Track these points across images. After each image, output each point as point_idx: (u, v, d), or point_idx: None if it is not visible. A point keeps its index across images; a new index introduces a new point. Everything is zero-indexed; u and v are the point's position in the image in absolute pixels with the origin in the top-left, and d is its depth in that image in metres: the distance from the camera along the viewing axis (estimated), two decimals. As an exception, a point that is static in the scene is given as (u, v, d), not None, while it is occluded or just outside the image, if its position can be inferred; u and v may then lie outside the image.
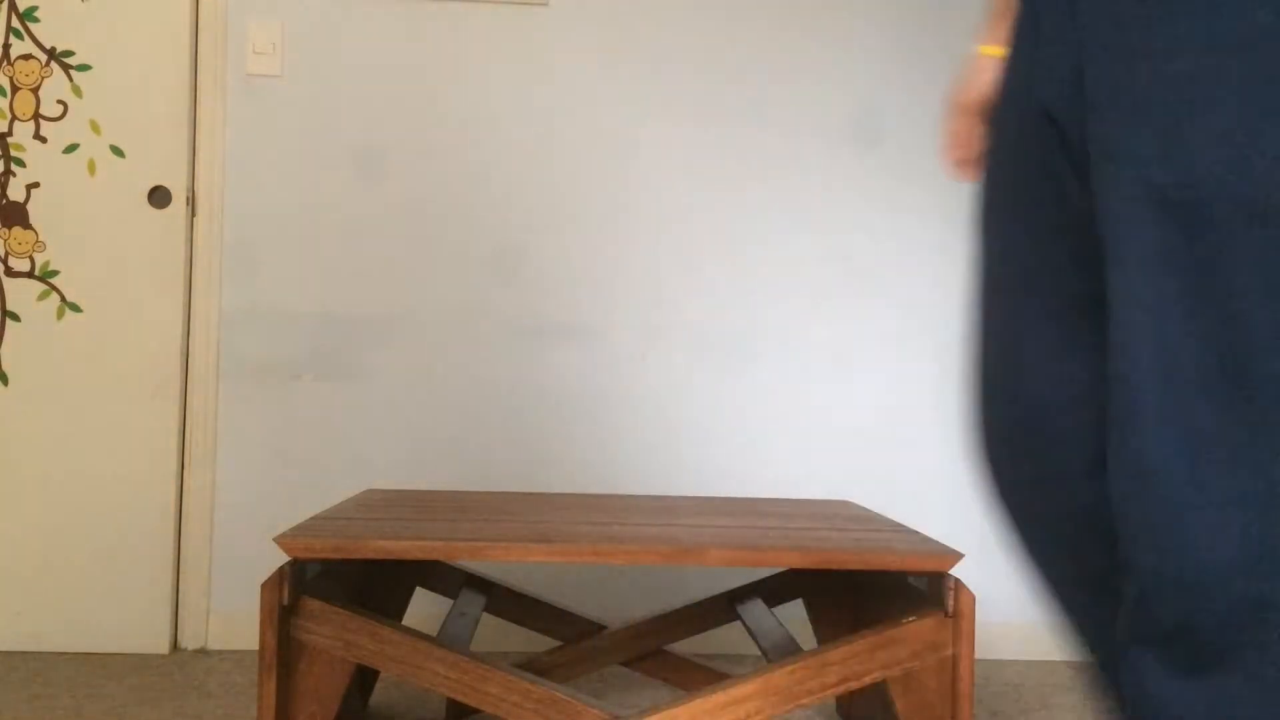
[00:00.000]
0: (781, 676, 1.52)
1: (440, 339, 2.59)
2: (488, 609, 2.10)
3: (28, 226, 2.47)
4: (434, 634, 2.15)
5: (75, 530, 2.47)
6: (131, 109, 2.49)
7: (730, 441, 2.64)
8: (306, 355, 2.57)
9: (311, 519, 1.71)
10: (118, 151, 2.49)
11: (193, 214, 2.54)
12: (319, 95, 2.57)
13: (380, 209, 2.58)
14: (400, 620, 2.08)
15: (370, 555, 1.53)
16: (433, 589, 2.12)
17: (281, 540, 1.52)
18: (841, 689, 1.55)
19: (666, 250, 2.65)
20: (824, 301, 2.67)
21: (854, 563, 1.57)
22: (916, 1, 2.67)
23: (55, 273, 2.48)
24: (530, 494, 2.15)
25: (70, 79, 2.48)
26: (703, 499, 2.16)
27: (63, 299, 2.48)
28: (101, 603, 2.47)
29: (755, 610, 2.01)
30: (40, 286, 2.48)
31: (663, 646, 2.12)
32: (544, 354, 2.61)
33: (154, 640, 2.49)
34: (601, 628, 2.14)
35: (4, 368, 2.47)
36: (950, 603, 1.55)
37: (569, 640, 2.13)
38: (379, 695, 2.23)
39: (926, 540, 1.69)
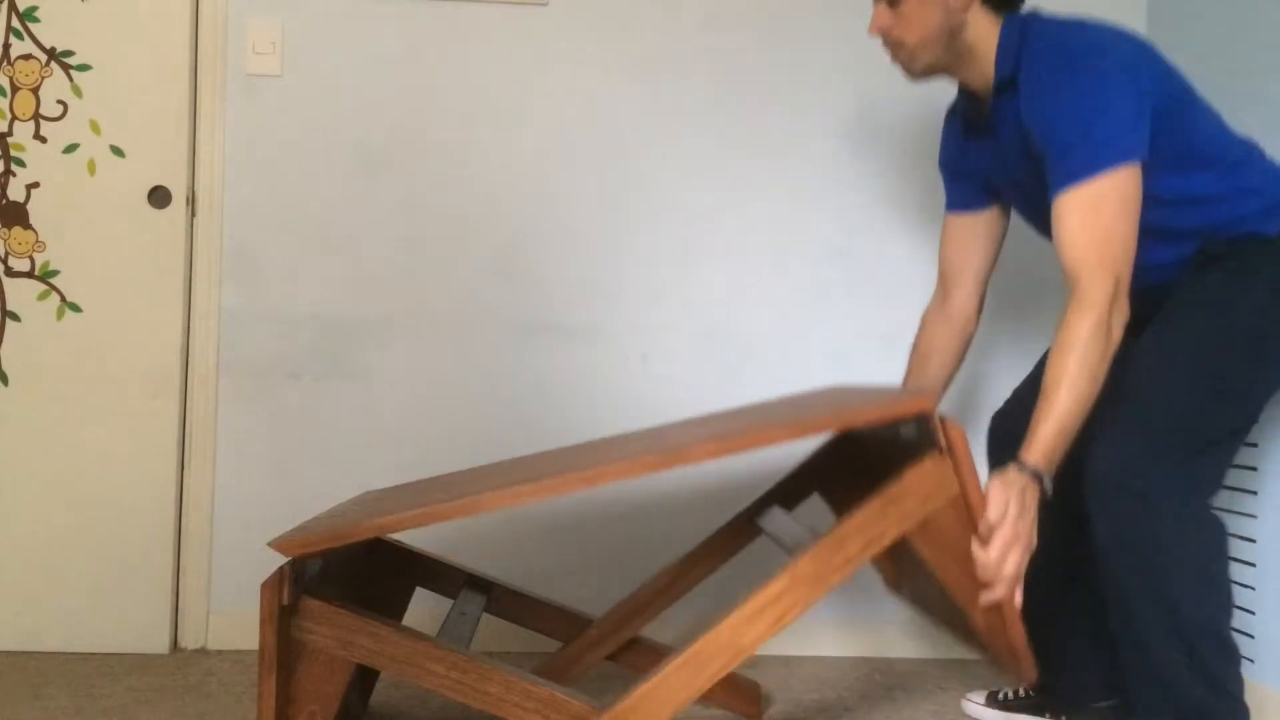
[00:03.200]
0: (806, 564, 1.52)
1: (440, 339, 2.59)
2: (488, 609, 2.10)
3: (28, 226, 2.47)
4: (434, 634, 2.15)
5: (75, 530, 2.47)
6: (131, 109, 2.49)
7: (741, 458, 2.63)
8: (306, 355, 2.57)
9: (306, 521, 1.71)
10: (118, 151, 2.49)
11: (193, 214, 2.54)
12: (319, 95, 2.57)
13: (380, 209, 2.58)
14: (400, 620, 2.08)
15: (366, 535, 1.51)
16: (433, 589, 2.12)
17: (277, 545, 1.52)
18: (865, 556, 1.54)
19: (667, 250, 2.65)
20: (824, 301, 2.67)
21: (833, 424, 1.54)
22: (916, 1, 2.67)
23: (55, 273, 2.48)
24: (518, 457, 2.12)
25: (70, 79, 2.48)
26: (683, 420, 2.16)
27: (63, 299, 2.48)
28: (101, 603, 2.47)
29: (775, 518, 2.00)
30: (40, 286, 2.48)
31: (699, 582, 2.11)
32: (544, 354, 2.61)
33: (154, 640, 2.49)
34: (601, 627, 2.14)
35: (4, 368, 2.47)
36: (941, 438, 1.54)
37: (571, 639, 2.13)
38: (379, 695, 2.23)
39: (902, 389, 1.68)
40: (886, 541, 1.54)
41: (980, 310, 2.10)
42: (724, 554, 2.11)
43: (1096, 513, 1.74)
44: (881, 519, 1.53)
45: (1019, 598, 1.60)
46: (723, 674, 1.51)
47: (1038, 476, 1.62)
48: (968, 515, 1.56)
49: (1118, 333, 1.67)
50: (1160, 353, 1.76)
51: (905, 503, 1.54)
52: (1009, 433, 2.08)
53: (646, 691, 1.50)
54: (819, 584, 1.52)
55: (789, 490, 2.10)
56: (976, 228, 2.06)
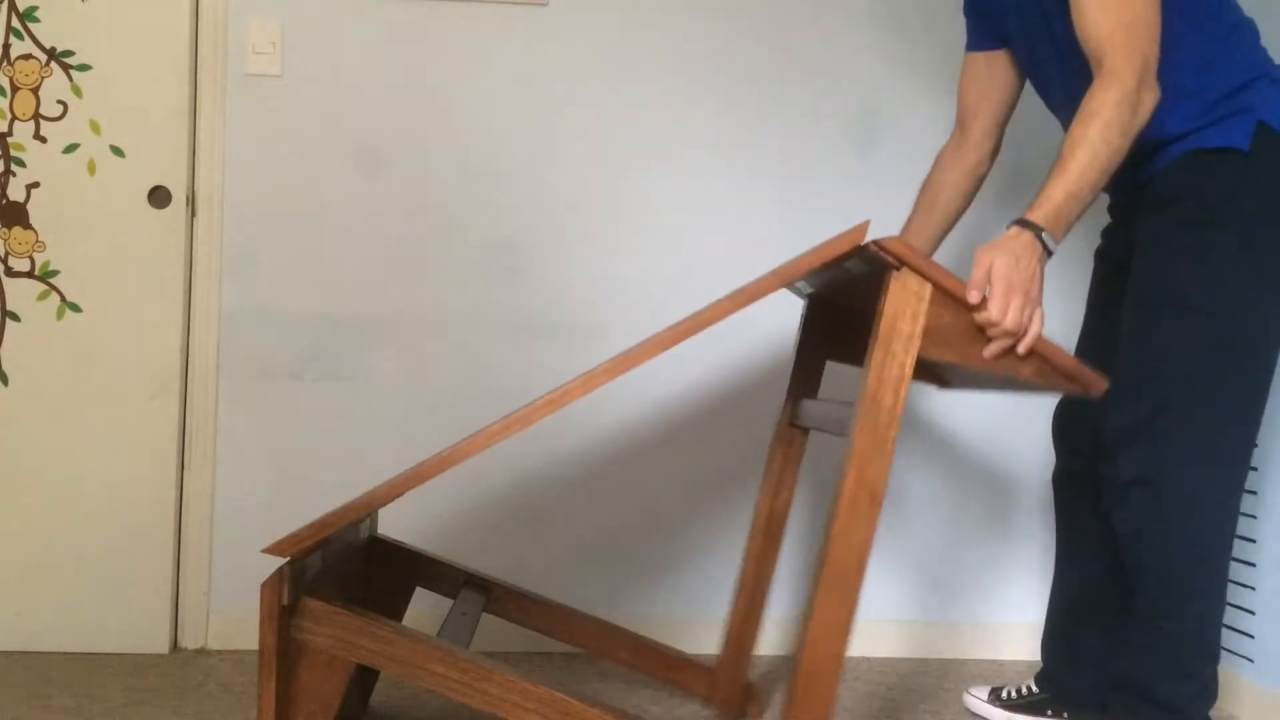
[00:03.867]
0: (860, 438, 1.52)
1: (440, 339, 2.59)
2: (488, 609, 2.10)
3: (28, 226, 2.47)
4: (434, 634, 2.15)
5: (75, 530, 2.47)
6: (131, 109, 2.49)
7: (732, 441, 2.64)
8: (306, 355, 2.57)
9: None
10: (118, 151, 2.49)
11: (193, 214, 2.54)
12: (319, 95, 2.57)
13: (380, 209, 2.58)
14: (400, 620, 2.08)
15: (353, 517, 1.52)
16: (433, 589, 2.12)
17: (271, 549, 1.52)
18: (902, 397, 1.54)
19: (667, 250, 2.64)
20: (824, 301, 2.67)
21: (776, 284, 1.57)
22: (916, 2, 2.67)
23: (55, 273, 2.48)
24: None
25: (70, 79, 2.48)
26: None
27: (63, 299, 2.48)
28: (101, 603, 2.47)
29: (811, 409, 2.01)
30: (40, 286, 2.48)
31: (789, 506, 2.12)
32: (544, 354, 2.61)
33: (154, 640, 2.49)
34: (603, 625, 2.13)
35: (4, 368, 2.47)
36: (888, 256, 1.54)
37: (571, 639, 2.13)
38: (379, 695, 2.23)
39: (837, 233, 1.70)
40: (910, 372, 1.54)
41: (994, 155, 2.10)
42: (792, 466, 2.12)
43: (1114, 503, 1.79)
44: (891, 358, 1.53)
45: (1045, 343, 1.59)
46: (862, 581, 1.50)
47: (1039, 233, 1.59)
48: (958, 301, 1.56)
49: (1144, 111, 1.64)
50: (1159, 330, 1.77)
51: (900, 330, 1.54)
52: (1071, 419, 2.09)
53: (812, 635, 1.50)
54: (883, 445, 1.52)
55: (804, 379, 2.11)
56: (992, 67, 2.05)
